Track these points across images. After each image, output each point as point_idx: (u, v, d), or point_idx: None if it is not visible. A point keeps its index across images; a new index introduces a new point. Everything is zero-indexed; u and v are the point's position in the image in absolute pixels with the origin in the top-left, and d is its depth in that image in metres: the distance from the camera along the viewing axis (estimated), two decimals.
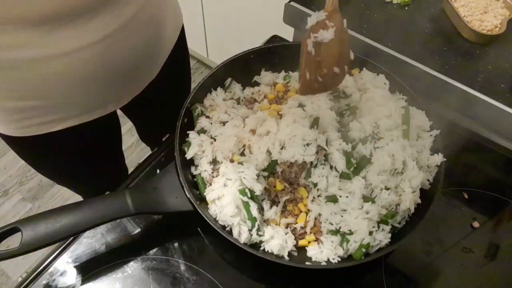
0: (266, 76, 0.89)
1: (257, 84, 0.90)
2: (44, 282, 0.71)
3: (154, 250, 0.75)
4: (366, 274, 0.75)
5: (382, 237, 0.68)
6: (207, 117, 0.82)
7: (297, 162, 0.71)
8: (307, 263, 0.69)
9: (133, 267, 0.73)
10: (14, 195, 1.97)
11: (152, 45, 0.80)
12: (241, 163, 0.72)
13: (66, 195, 1.95)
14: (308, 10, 1.01)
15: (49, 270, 0.72)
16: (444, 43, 0.97)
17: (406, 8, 1.05)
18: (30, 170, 1.97)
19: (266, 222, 0.72)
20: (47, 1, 0.59)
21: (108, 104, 0.83)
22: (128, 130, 2.12)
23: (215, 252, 0.75)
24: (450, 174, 0.75)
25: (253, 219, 0.67)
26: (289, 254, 0.69)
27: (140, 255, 0.74)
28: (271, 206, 0.73)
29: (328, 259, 0.68)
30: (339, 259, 0.68)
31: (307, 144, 0.71)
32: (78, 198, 1.27)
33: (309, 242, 0.71)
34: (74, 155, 0.90)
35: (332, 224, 0.71)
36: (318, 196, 0.73)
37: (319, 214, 0.72)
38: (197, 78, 2.44)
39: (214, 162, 0.76)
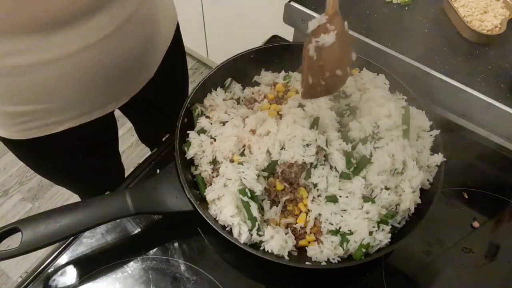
0: (266, 76, 0.89)
1: (257, 84, 0.90)
2: (44, 282, 0.71)
3: (154, 250, 0.75)
4: (366, 274, 0.75)
5: (382, 237, 0.68)
6: (207, 117, 0.82)
7: (297, 162, 0.71)
8: (307, 263, 0.68)
9: (133, 267, 0.73)
10: (14, 195, 1.97)
11: (148, 44, 0.81)
12: (241, 163, 0.72)
13: (66, 195, 1.95)
14: (308, 10, 1.01)
15: (49, 270, 0.72)
16: (444, 43, 0.97)
17: (406, 8, 1.05)
18: (30, 170, 1.96)
19: (266, 222, 0.72)
20: (44, 9, 0.59)
21: (107, 105, 0.83)
22: (128, 130, 2.12)
23: (215, 252, 0.75)
24: (450, 174, 0.75)
25: (253, 219, 0.67)
26: (289, 254, 0.69)
27: (140, 255, 0.74)
28: (271, 206, 0.73)
29: (328, 259, 0.68)
30: (339, 259, 0.68)
31: (307, 145, 0.71)
32: (78, 198, 1.27)
33: (309, 242, 0.71)
34: (73, 155, 0.91)
35: (332, 224, 0.71)
36: (318, 196, 0.73)
37: (319, 214, 0.72)
38: (197, 78, 2.44)
39: (214, 162, 0.76)
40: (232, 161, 0.74)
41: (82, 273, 0.72)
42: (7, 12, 0.57)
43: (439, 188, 0.72)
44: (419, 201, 0.73)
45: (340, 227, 0.70)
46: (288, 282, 0.74)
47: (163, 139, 0.92)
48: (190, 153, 0.76)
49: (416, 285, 0.75)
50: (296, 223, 0.72)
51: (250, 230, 0.67)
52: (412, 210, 0.72)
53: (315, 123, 0.74)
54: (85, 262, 0.73)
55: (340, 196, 0.71)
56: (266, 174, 0.73)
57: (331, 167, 0.73)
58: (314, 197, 0.73)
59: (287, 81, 0.87)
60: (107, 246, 0.75)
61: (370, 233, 0.68)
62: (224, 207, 0.69)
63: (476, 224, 0.80)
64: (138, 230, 0.77)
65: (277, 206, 0.73)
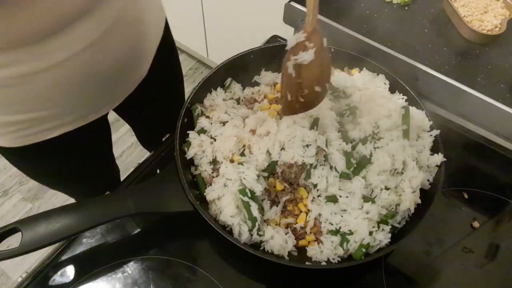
0: (266, 76, 0.89)
1: (257, 84, 0.90)
2: (44, 282, 0.71)
3: (154, 250, 0.75)
4: (366, 274, 0.75)
5: (382, 237, 0.68)
6: (207, 117, 0.82)
7: (297, 163, 0.71)
8: (307, 263, 0.68)
9: (133, 267, 0.73)
10: (14, 195, 1.97)
11: (138, 43, 0.80)
12: (241, 163, 0.72)
13: (66, 195, 1.95)
14: None
15: (49, 270, 0.72)
16: (444, 43, 0.97)
17: (406, 8, 1.05)
18: None
19: (266, 222, 0.72)
20: (31, 21, 0.58)
21: (102, 107, 0.83)
22: (127, 130, 2.12)
23: (215, 252, 0.75)
24: (450, 174, 0.75)
25: (253, 219, 0.67)
26: (289, 254, 0.69)
27: (140, 255, 0.74)
28: (271, 206, 0.73)
29: (328, 259, 0.68)
30: (339, 259, 0.68)
31: (307, 145, 0.71)
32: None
33: (309, 242, 0.71)
34: (68, 159, 0.90)
35: (332, 224, 0.71)
36: (318, 196, 0.73)
37: (319, 214, 0.72)
38: (197, 78, 2.44)
39: (214, 162, 0.76)
40: (232, 161, 0.74)
41: (82, 273, 0.72)
42: None
43: (439, 188, 0.72)
44: (419, 201, 0.73)
45: (340, 227, 0.70)
46: (288, 282, 0.74)
47: (163, 139, 0.92)
48: (190, 153, 0.76)
49: (416, 285, 0.75)
50: (296, 223, 0.72)
51: (250, 230, 0.67)
52: (412, 210, 0.72)
53: (315, 124, 0.74)
54: (85, 262, 0.73)
55: (340, 196, 0.71)
56: (266, 174, 0.73)
57: (331, 167, 0.73)
58: (314, 197, 0.73)
59: None
60: (107, 246, 0.75)
61: (370, 233, 0.68)
62: (224, 207, 0.69)
63: (476, 224, 0.80)
64: (138, 230, 0.77)
65: (277, 206, 0.73)
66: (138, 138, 1.31)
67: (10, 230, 0.65)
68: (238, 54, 0.86)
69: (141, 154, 2.09)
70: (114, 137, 2.26)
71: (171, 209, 0.71)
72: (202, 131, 0.80)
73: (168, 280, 0.72)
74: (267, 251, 0.68)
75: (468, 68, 0.92)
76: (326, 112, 0.77)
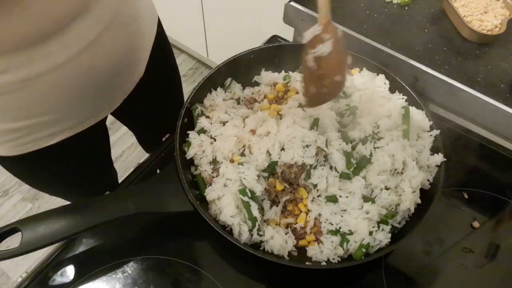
0: (266, 76, 0.89)
1: (257, 84, 0.90)
2: (44, 282, 0.71)
3: (154, 250, 0.75)
4: (366, 274, 0.75)
5: (382, 237, 0.68)
6: (207, 117, 0.82)
7: (297, 163, 0.71)
8: (307, 263, 0.69)
9: (133, 267, 0.73)
10: (14, 195, 1.97)
11: (134, 42, 0.80)
12: (241, 163, 0.72)
13: None
14: (308, 10, 1.01)
15: (49, 270, 0.72)
16: (444, 43, 0.97)
17: (406, 8, 1.05)
18: None
19: (266, 222, 0.72)
20: (29, 24, 0.58)
21: (101, 111, 0.82)
22: (127, 130, 2.10)
23: (215, 252, 0.75)
24: (450, 174, 0.75)
25: (253, 219, 0.67)
26: (289, 254, 0.69)
27: (140, 255, 0.74)
28: (271, 206, 0.73)
29: (328, 259, 0.68)
30: (339, 259, 0.68)
31: (307, 146, 0.71)
32: None
33: (309, 242, 0.71)
34: (67, 165, 0.89)
35: (332, 224, 0.71)
36: (318, 196, 0.73)
37: (319, 214, 0.72)
38: (197, 78, 2.44)
39: (214, 162, 0.76)
40: (232, 161, 0.74)
41: (82, 273, 0.72)
42: None
43: (439, 188, 0.72)
44: (419, 201, 0.73)
45: (340, 227, 0.70)
46: (288, 282, 0.74)
47: (163, 139, 0.92)
48: (190, 153, 0.77)
49: (416, 285, 0.75)
50: (296, 223, 0.72)
51: (250, 230, 0.67)
52: (412, 210, 0.72)
53: (315, 124, 0.74)
54: (85, 262, 0.73)
55: (340, 196, 0.71)
56: (266, 174, 0.73)
57: (331, 167, 0.73)
58: (314, 197, 0.73)
59: (287, 81, 0.87)
60: (107, 246, 0.75)
61: (370, 233, 0.68)
62: (224, 207, 0.69)
63: (476, 224, 0.80)
64: (138, 230, 0.77)
65: (277, 206, 0.73)
66: (138, 141, 1.31)
67: (10, 230, 0.65)
68: (238, 54, 0.86)
69: (141, 154, 2.08)
70: (114, 137, 2.26)
71: (171, 209, 0.71)
72: (202, 131, 0.80)
73: (168, 280, 0.72)
74: (267, 251, 0.68)
75: (468, 68, 0.92)
76: (326, 112, 0.77)
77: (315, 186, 0.72)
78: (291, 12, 1.05)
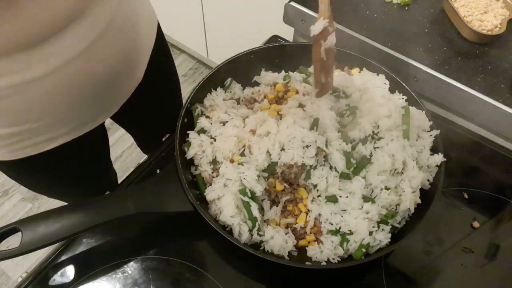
0: (266, 76, 0.89)
1: (257, 84, 0.90)
2: (44, 282, 0.71)
3: (154, 250, 0.75)
4: (366, 274, 0.75)
5: (382, 237, 0.68)
6: (207, 117, 0.82)
7: (297, 164, 0.71)
8: (307, 263, 0.69)
9: (133, 267, 0.73)
10: (14, 195, 1.97)
11: (132, 47, 0.80)
12: (241, 163, 0.72)
13: None
14: (308, 10, 1.01)
15: (49, 270, 0.72)
16: (444, 43, 0.97)
17: (406, 8, 1.05)
18: None
19: (266, 222, 0.72)
20: (23, 27, 0.57)
21: (98, 116, 0.81)
22: None
23: (215, 252, 0.75)
24: (450, 174, 0.75)
25: (253, 219, 0.67)
26: (289, 254, 0.69)
27: (140, 255, 0.74)
28: (271, 206, 0.73)
29: (328, 259, 0.68)
30: (339, 259, 0.68)
31: (307, 146, 0.71)
32: None
33: (309, 242, 0.71)
34: (66, 169, 0.89)
35: (332, 224, 0.71)
36: (318, 196, 0.73)
37: (319, 214, 0.72)
38: (197, 78, 2.44)
39: (214, 162, 0.76)
40: (232, 161, 0.74)
41: (82, 273, 0.72)
42: None
43: (439, 188, 0.72)
44: (419, 201, 0.73)
45: (340, 227, 0.70)
46: (288, 282, 0.74)
47: (163, 139, 0.92)
48: (190, 153, 0.76)
49: (416, 285, 0.75)
50: (296, 223, 0.72)
51: (250, 230, 0.67)
52: (412, 210, 0.72)
53: (315, 124, 0.74)
54: (85, 262, 0.73)
55: (340, 196, 0.71)
56: (266, 174, 0.73)
57: (331, 167, 0.73)
58: (314, 197, 0.73)
59: (287, 81, 0.87)
60: (107, 246, 0.75)
61: (370, 233, 0.68)
62: (224, 207, 0.69)
63: (476, 224, 0.80)
64: (138, 230, 0.77)
65: (277, 206, 0.73)
66: (137, 143, 1.31)
67: (10, 230, 0.65)
68: (238, 54, 0.86)
69: (141, 154, 2.07)
70: (113, 137, 2.26)
71: (171, 209, 0.71)
72: (202, 131, 0.80)
73: (168, 280, 0.72)
74: (267, 251, 0.68)
75: (468, 68, 0.92)
76: (326, 112, 0.77)
77: (315, 186, 0.72)
78: (291, 12, 1.05)
